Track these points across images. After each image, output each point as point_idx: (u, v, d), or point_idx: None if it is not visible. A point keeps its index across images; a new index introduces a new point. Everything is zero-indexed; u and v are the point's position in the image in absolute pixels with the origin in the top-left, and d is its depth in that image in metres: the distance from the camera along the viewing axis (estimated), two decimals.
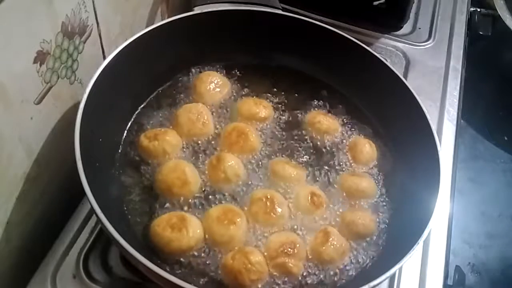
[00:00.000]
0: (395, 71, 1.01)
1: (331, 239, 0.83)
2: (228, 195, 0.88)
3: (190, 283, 0.68)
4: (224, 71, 1.07)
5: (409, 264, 0.95)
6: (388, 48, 1.37)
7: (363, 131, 1.03)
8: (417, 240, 0.77)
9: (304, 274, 0.81)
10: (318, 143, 1.00)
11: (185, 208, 0.85)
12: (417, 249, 0.77)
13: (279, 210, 0.85)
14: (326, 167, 0.96)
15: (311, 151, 0.98)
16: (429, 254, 0.97)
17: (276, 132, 1.00)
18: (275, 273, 0.80)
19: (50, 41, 0.80)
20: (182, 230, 0.79)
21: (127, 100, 0.96)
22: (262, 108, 1.00)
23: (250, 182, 0.90)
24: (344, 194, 0.92)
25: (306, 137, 1.00)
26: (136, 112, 0.98)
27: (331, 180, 0.94)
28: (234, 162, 0.90)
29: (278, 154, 0.96)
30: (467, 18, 1.53)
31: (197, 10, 1.01)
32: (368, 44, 1.08)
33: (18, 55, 0.73)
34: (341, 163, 0.97)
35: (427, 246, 0.98)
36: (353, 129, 1.03)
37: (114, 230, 0.69)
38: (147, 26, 1.06)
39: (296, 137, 1.00)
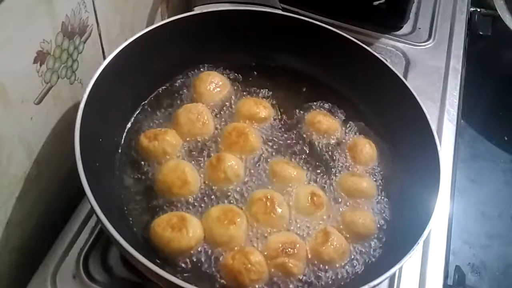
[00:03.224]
0: (395, 71, 1.01)
1: (331, 239, 0.83)
2: (228, 195, 0.88)
3: (190, 283, 0.68)
4: (224, 71, 1.07)
5: (409, 264, 0.94)
6: (388, 48, 1.37)
7: (363, 131, 1.03)
8: (417, 240, 0.77)
9: (304, 274, 0.81)
10: (318, 143, 1.00)
11: (185, 208, 0.85)
12: (417, 249, 0.77)
13: (279, 210, 0.85)
14: (326, 167, 0.96)
15: (311, 151, 0.98)
16: (429, 254, 0.97)
17: (276, 132, 1.00)
18: (275, 273, 0.80)
19: (50, 41, 0.80)
20: (182, 230, 0.79)
21: (127, 100, 0.96)
22: (262, 108, 1.00)
23: (250, 182, 0.90)
24: (344, 194, 0.92)
25: (306, 137, 1.00)
26: (136, 112, 0.98)
27: (331, 180, 0.94)
28: (234, 162, 0.90)
29: (278, 154, 0.96)
30: (467, 18, 1.53)
31: (197, 10, 1.01)
32: (368, 44, 1.08)
33: (18, 55, 0.73)
34: (341, 163, 0.97)
35: (427, 246, 0.98)
36: (353, 129, 1.03)
37: (114, 230, 0.69)
38: (147, 26, 1.06)
39: (296, 137, 1.00)
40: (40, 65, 0.79)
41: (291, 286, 0.80)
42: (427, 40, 1.42)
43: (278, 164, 0.92)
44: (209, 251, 0.81)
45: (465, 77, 1.35)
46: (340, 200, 0.92)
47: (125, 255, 0.75)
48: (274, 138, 0.98)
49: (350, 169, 0.96)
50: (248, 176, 0.91)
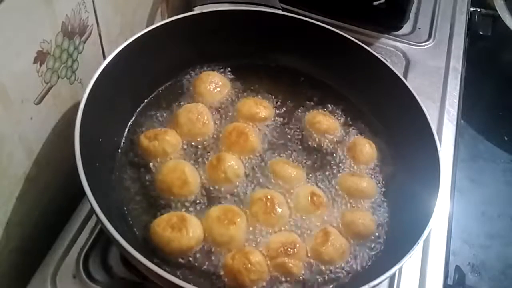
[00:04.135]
0: (395, 71, 1.01)
1: (331, 239, 0.83)
2: (228, 195, 0.88)
3: (190, 283, 0.68)
4: (224, 71, 1.07)
5: (409, 264, 0.94)
6: (388, 48, 1.37)
7: (363, 131, 1.03)
8: (417, 240, 0.77)
9: (304, 274, 0.81)
10: (318, 143, 1.00)
11: (185, 208, 0.85)
12: (417, 249, 0.77)
13: (279, 210, 0.85)
14: (326, 167, 0.96)
15: (311, 151, 0.98)
16: (429, 254, 0.97)
17: (276, 132, 1.00)
18: (275, 273, 0.80)
19: (50, 41, 0.80)
20: (182, 230, 0.79)
21: (127, 100, 0.96)
22: (262, 108, 1.00)
23: (250, 182, 0.90)
24: (344, 194, 0.92)
25: (306, 137, 1.00)
26: (136, 112, 0.98)
27: (331, 180, 0.94)
28: (234, 162, 0.90)
29: (278, 154, 0.96)
30: (467, 18, 1.53)
31: (197, 10, 1.01)
32: (368, 44, 1.08)
33: (18, 55, 0.73)
34: (341, 163, 0.97)
35: (427, 246, 0.98)
36: (353, 129, 1.03)
37: (114, 230, 0.69)
38: (147, 26, 1.06)
39: (296, 137, 1.00)
40: (40, 65, 0.79)
41: (291, 286, 0.80)
42: (427, 40, 1.42)
43: (278, 164, 0.92)
44: (209, 251, 0.81)
45: (465, 77, 1.35)
46: (340, 200, 0.92)
47: (125, 255, 0.75)
48: (274, 138, 0.98)
49: (350, 169, 0.96)
50: (248, 176, 0.91)
